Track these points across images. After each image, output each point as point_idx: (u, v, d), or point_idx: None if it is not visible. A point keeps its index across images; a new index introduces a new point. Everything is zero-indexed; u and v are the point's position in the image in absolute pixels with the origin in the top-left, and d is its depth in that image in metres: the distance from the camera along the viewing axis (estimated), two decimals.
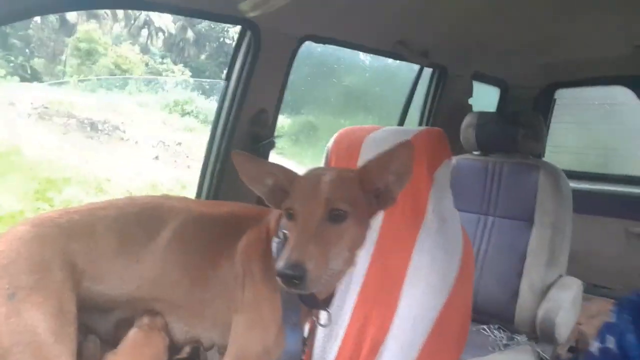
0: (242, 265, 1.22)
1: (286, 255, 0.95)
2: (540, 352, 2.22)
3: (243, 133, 1.87)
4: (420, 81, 2.66)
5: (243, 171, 1.15)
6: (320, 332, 1.53)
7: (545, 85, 3.24)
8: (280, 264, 0.94)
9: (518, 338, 2.22)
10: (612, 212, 3.26)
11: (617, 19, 2.23)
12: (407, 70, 2.51)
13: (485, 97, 3.19)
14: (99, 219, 1.24)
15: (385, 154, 1.07)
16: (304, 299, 1.17)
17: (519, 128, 2.37)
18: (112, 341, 1.27)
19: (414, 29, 2.18)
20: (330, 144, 1.78)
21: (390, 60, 2.46)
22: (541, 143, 2.48)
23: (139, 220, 1.26)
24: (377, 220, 1.53)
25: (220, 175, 1.87)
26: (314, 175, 1.11)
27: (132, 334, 1.25)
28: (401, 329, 1.44)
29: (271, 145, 1.90)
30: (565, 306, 1.99)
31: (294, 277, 0.93)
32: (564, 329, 1.95)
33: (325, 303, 1.25)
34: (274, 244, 1.20)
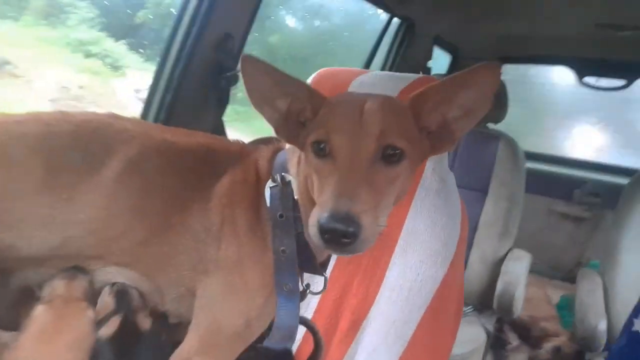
0: (220, 214, 0.92)
1: (331, 205, 0.68)
2: (485, 324, 2.21)
3: (203, 60, 1.53)
4: (385, 39, 2.49)
5: (252, 85, 0.83)
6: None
7: (495, 58, 3.22)
8: (324, 216, 0.67)
9: (464, 309, 2.19)
10: (537, 190, 3.37)
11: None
12: (376, 22, 2.31)
13: (437, 63, 3.10)
14: (14, 137, 0.88)
15: (455, 78, 0.78)
16: (302, 261, 0.92)
17: None
18: (8, 324, 0.92)
19: None
20: None
21: (362, 6, 2.22)
22: (504, 111, 2.43)
23: (75, 143, 0.90)
24: None
25: (170, 109, 1.52)
26: (354, 100, 0.81)
27: (39, 314, 0.88)
28: (391, 301, 1.26)
29: (235, 79, 1.58)
30: (522, 280, 1.97)
31: (347, 234, 0.66)
32: (520, 302, 1.93)
33: (323, 267, 1.01)
34: (269, 189, 0.92)
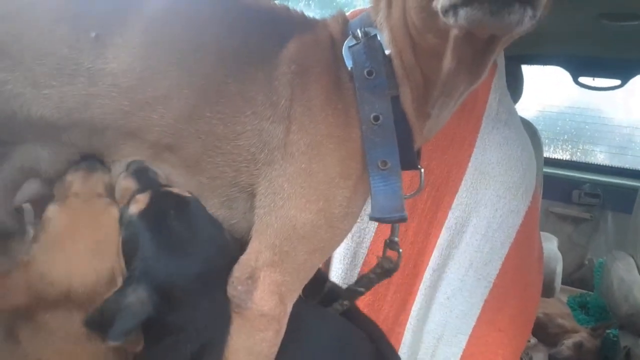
0: (289, 84, 0.69)
1: None
2: None
3: None
4: None
5: None
6: None
7: (509, 55, 3.15)
8: None
9: None
10: None
11: None
12: None
13: None
14: None
15: None
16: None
17: None
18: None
19: None
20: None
21: None
22: (519, 94, 2.35)
23: None
24: None
25: None
26: None
27: (52, 215, 0.67)
28: (461, 243, 1.08)
29: None
30: (559, 256, 1.82)
31: None
32: (560, 279, 1.78)
33: (419, 157, 0.80)
34: (347, 48, 0.71)
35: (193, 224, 0.65)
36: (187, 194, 0.68)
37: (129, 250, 0.63)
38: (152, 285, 0.59)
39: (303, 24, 0.76)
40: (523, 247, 1.04)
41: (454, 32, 0.58)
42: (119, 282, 0.64)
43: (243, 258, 0.68)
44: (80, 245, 0.65)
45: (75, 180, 0.69)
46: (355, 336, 0.83)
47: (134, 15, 0.66)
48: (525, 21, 0.49)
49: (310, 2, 2.97)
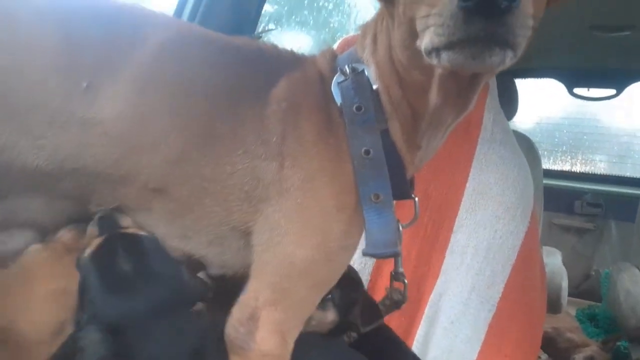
0: (281, 121, 0.69)
1: None
2: None
3: (220, 27, 1.37)
4: None
5: None
6: None
7: (502, 71, 3.17)
8: None
9: None
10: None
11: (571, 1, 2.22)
12: None
13: None
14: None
15: None
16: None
17: None
18: None
19: None
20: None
21: None
22: (514, 108, 2.36)
23: (95, 16, 0.70)
24: None
25: None
26: None
27: (32, 250, 0.68)
28: (463, 266, 1.07)
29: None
30: (564, 270, 1.81)
31: None
32: (566, 293, 1.76)
33: (412, 186, 0.79)
34: (337, 84, 0.71)
35: (144, 262, 0.66)
36: (142, 233, 0.68)
37: (82, 292, 0.63)
38: (103, 326, 0.59)
39: (292, 61, 0.77)
40: (524, 268, 1.04)
41: (438, 70, 0.59)
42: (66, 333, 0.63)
43: (243, 298, 0.67)
44: (42, 285, 0.65)
45: (67, 234, 0.70)
46: None
47: (124, 62, 0.67)
48: (506, 61, 0.51)
49: (304, 26, 3.02)
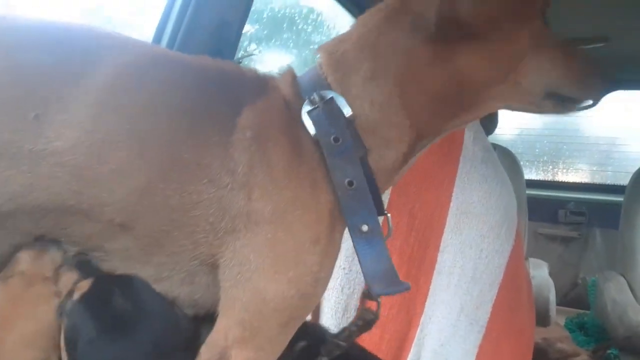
0: (247, 150, 0.66)
1: None
2: None
3: (200, 51, 1.37)
4: None
5: None
6: None
7: None
8: None
9: None
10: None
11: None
12: None
13: None
14: None
15: None
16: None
17: None
18: None
19: None
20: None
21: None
22: (495, 122, 2.39)
23: (42, 42, 0.66)
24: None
25: None
26: None
27: None
28: (451, 287, 1.07)
29: None
30: (551, 283, 1.82)
31: None
32: (554, 307, 1.77)
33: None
34: (306, 114, 0.69)
35: (138, 302, 0.63)
36: (130, 274, 0.66)
37: (72, 338, 0.60)
38: None
39: (256, 86, 0.74)
40: (512, 287, 1.04)
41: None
42: None
43: (211, 338, 0.64)
44: (15, 332, 0.61)
45: (24, 258, 0.64)
46: None
47: (76, 88, 0.62)
48: None
49: (290, 42, 3.04)
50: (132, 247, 0.66)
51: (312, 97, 0.70)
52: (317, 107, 0.69)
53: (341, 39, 0.74)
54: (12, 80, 0.62)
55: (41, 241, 0.66)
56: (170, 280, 0.67)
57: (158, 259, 0.67)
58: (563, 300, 3.19)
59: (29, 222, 0.63)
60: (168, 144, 0.65)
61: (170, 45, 1.38)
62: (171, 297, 0.69)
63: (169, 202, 0.64)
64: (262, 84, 0.75)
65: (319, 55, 0.75)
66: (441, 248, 1.11)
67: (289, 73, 0.76)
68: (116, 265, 0.67)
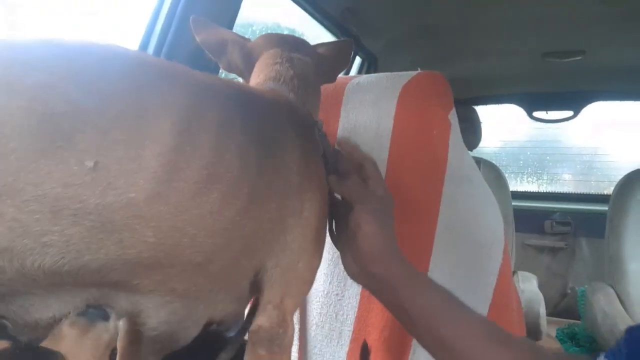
0: (298, 170, 0.73)
1: None
2: None
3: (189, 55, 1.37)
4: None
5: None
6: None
7: (464, 98, 3.21)
8: None
9: None
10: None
11: (523, 32, 2.32)
12: None
13: None
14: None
15: None
16: None
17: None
18: None
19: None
20: None
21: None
22: (478, 137, 2.41)
23: (103, 72, 0.51)
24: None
25: None
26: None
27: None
28: None
29: None
30: (541, 297, 1.82)
31: None
32: (545, 321, 1.76)
33: None
34: (317, 132, 0.82)
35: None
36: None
37: None
38: None
39: (282, 101, 0.79)
40: (501, 305, 1.03)
41: None
42: None
43: (265, 307, 0.69)
44: None
45: (64, 337, 0.60)
46: None
47: (135, 135, 0.51)
48: None
49: None
50: (204, 283, 0.61)
51: (317, 122, 0.84)
52: (320, 129, 0.83)
53: None
54: (51, 121, 0.46)
55: (84, 317, 0.61)
56: (223, 306, 0.67)
57: (217, 295, 0.65)
58: (553, 311, 3.20)
59: (91, 280, 0.52)
60: (241, 176, 0.60)
61: (156, 54, 1.37)
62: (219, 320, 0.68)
63: (242, 232, 0.61)
64: (285, 100, 0.81)
65: None
66: (430, 269, 1.09)
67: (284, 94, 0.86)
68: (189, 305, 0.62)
